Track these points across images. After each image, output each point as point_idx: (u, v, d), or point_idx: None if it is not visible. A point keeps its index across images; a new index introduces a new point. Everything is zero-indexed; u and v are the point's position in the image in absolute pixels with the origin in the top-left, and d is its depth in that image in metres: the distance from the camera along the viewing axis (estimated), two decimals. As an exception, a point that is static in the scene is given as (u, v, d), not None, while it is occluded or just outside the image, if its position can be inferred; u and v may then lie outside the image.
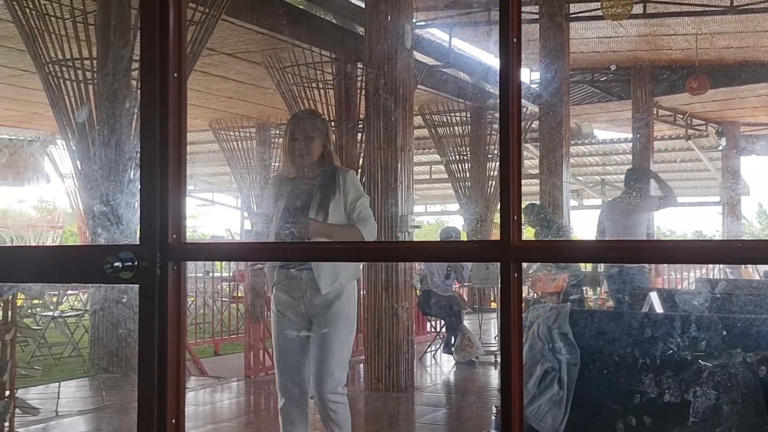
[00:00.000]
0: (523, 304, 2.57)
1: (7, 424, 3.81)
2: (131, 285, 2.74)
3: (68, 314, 9.65)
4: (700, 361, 4.16)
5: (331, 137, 4.02)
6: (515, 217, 2.09)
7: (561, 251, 2.40)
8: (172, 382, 2.61)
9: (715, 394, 4.07)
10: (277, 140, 15.05)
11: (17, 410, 3.89)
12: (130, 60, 7.29)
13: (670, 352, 4.26)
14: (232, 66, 10.80)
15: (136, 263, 2.52)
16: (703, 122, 15.25)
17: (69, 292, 11.11)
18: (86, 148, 7.41)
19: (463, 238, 9.49)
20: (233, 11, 7.95)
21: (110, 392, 7.03)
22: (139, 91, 2.64)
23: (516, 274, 2.11)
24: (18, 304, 4.46)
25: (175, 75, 2.56)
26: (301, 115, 4.12)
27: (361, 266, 4.20)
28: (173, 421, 2.62)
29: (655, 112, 13.70)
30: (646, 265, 7.45)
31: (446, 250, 2.69)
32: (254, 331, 8.11)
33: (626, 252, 2.50)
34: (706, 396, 4.08)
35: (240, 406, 6.82)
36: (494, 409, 4.91)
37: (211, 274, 12.08)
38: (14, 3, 7.30)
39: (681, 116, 14.76)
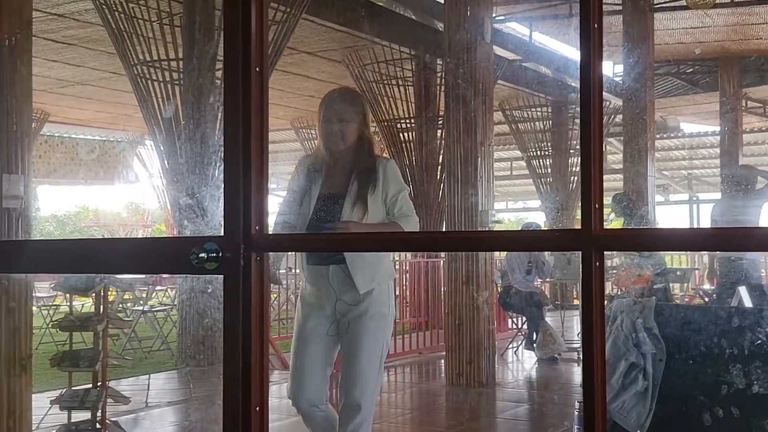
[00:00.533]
0: (606, 301, 2.56)
1: (99, 412, 3.93)
2: (216, 276, 2.85)
3: (157, 309, 9.95)
4: None
5: (369, 121, 3.54)
6: (596, 205, 2.09)
7: (644, 239, 2.37)
8: (256, 370, 2.69)
9: None
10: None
11: (109, 399, 4.00)
12: (214, 57, 7.45)
13: (759, 342, 4.19)
14: (312, 65, 10.94)
15: (220, 254, 2.60)
16: (794, 114, 14.83)
17: (157, 288, 11.42)
18: (173, 144, 7.62)
19: (547, 254, 9.43)
20: (314, 10, 8.06)
21: (197, 384, 7.20)
22: (222, 87, 2.73)
23: (598, 264, 2.11)
24: (109, 299, 4.62)
25: (257, 69, 2.64)
26: (335, 96, 3.48)
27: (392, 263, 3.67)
28: (257, 409, 2.70)
29: (743, 104, 13.37)
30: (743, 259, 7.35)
31: (527, 239, 2.70)
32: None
33: (710, 240, 2.47)
34: None
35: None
36: (577, 405, 4.89)
37: (293, 271, 12.23)
38: (104, 7, 7.52)
39: (772, 108, 14.38)
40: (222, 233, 2.64)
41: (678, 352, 4.41)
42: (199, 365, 7.85)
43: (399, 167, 11.08)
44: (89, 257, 3.37)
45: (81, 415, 3.95)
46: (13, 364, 3.46)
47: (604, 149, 2.12)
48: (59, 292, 3.96)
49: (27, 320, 3.54)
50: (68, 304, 4.24)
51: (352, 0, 8.62)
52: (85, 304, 6.53)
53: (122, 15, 7.57)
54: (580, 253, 2.13)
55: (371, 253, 3.14)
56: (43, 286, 10.33)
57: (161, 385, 7.16)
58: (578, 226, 2.16)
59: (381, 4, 8.91)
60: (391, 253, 3.30)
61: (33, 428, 3.78)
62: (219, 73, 7.44)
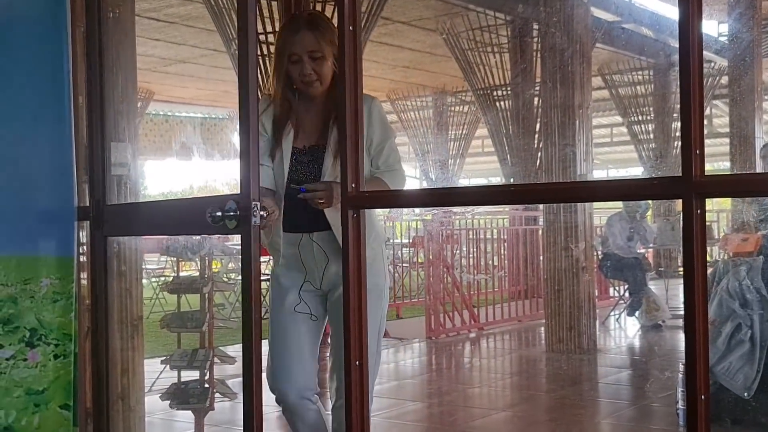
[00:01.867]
0: (709, 267, 2.52)
1: (206, 371, 4.03)
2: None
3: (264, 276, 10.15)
4: None
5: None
6: (697, 151, 2.06)
7: (748, 184, 2.33)
8: (353, 327, 2.76)
9: None
10: (454, 108, 15.12)
11: (216, 359, 4.09)
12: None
13: None
14: (407, 35, 10.91)
15: (237, 213, 2.69)
16: None
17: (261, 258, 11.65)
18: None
19: (649, 217, 9.29)
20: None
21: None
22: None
23: (699, 211, 2.09)
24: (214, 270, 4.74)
25: (351, 28, 2.70)
26: (302, 25, 2.69)
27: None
28: (357, 363, 2.77)
29: None
30: None
31: (625, 187, 2.63)
32: (434, 296, 8.27)
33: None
34: None
35: (422, 365, 6.97)
36: (681, 367, 4.83)
37: (391, 241, 12.35)
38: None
39: None
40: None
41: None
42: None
43: (497, 135, 11.00)
44: (193, 212, 3.46)
45: (189, 374, 4.03)
46: (125, 325, 3.51)
47: (709, 111, 2.09)
48: (169, 258, 4.07)
49: (138, 283, 3.60)
50: (175, 270, 4.33)
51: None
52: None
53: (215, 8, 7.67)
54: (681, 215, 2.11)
55: None
56: (152, 258, 10.70)
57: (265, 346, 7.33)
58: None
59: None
60: (380, 212, 2.76)
61: (146, 387, 3.90)
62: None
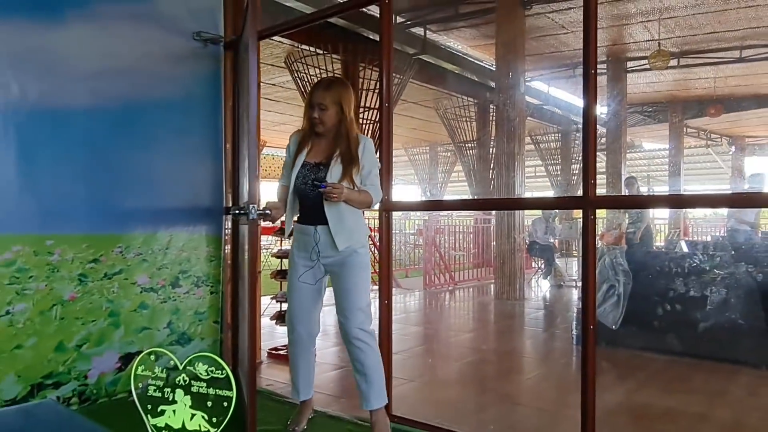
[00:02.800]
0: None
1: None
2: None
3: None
4: (715, 270, 3.95)
5: (349, 105, 2.49)
6: (592, 181, 2.09)
7: (620, 201, 2.34)
8: (384, 280, 2.79)
9: (726, 291, 3.86)
10: (442, 153, 15.11)
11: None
12: (357, 106, 7.58)
13: (695, 265, 4.07)
14: (415, 109, 10.91)
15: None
16: (719, 136, 13.97)
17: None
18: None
19: (557, 222, 9.30)
20: (416, 77, 8.07)
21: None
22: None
23: (592, 217, 2.12)
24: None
25: (386, 105, 2.73)
26: (319, 85, 2.55)
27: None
28: (385, 302, 2.80)
29: (684, 130, 12.70)
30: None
31: (547, 201, 2.66)
32: (428, 264, 8.27)
33: (661, 202, 2.44)
34: (719, 292, 3.87)
35: (421, 305, 6.98)
36: (575, 309, 4.82)
37: (403, 231, 12.37)
38: (297, 79, 7.66)
39: (703, 132, 13.59)
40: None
41: (643, 274, 4.31)
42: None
43: (467, 170, 10.82)
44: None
45: (286, 305, 4.08)
46: (250, 275, 3.53)
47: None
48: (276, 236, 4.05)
49: (258, 251, 3.59)
50: (278, 244, 4.32)
51: (438, 69, 8.58)
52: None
53: (307, 84, 7.72)
54: (580, 219, 2.14)
55: (350, 216, 2.44)
56: (265, 238, 10.74)
57: (330, 295, 7.39)
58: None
59: (457, 71, 8.82)
60: (361, 215, 2.55)
61: (262, 312, 3.93)
62: (361, 116, 7.53)
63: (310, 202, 2.45)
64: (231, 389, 1.02)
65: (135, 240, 2.98)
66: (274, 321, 4.02)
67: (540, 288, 8.15)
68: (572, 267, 9.90)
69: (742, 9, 7.18)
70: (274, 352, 3.98)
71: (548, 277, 8.35)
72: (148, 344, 3.06)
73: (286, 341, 4.01)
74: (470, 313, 6.56)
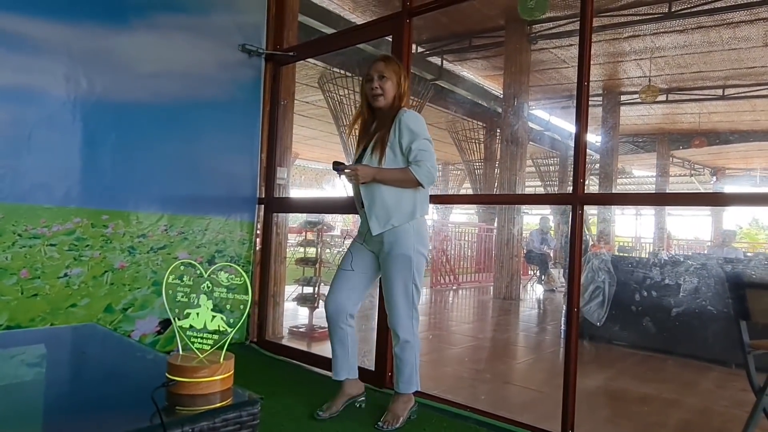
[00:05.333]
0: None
1: (317, 288, 4.02)
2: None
3: (345, 249, 10.15)
4: (689, 261, 3.88)
5: (403, 81, 2.10)
6: (581, 180, 2.07)
7: (608, 198, 2.31)
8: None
9: (697, 280, 3.78)
10: (452, 171, 15.05)
11: (321, 282, 4.08)
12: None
13: (663, 264, 3.99)
14: (430, 130, 10.73)
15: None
16: (702, 167, 13.76)
17: (346, 240, 11.67)
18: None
19: (552, 232, 9.20)
20: (432, 100, 8.09)
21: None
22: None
23: (580, 212, 2.09)
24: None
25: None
26: (377, 60, 2.17)
27: (420, 206, 2.09)
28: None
29: (671, 160, 12.52)
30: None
31: (540, 197, 2.63)
32: (435, 266, 8.23)
33: (638, 199, 2.39)
34: (690, 281, 3.79)
35: (428, 300, 6.93)
36: (564, 308, 4.75)
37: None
38: (328, 98, 7.73)
39: (687, 162, 13.38)
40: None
41: (624, 271, 4.24)
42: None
43: (474, 186, 10.78)
44: (315, 204, 3.47)
45: (307, 289, 4.06)
46: (277, 260, 3.54)
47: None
48: (303, 228, 4.04)
49: (284, 239, 3.59)
50: (304, 236, 4.32)
51: (452, 95, 8.59)
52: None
53: (337, 103, 7.77)
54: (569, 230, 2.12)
55: (390, 196, 2.00)
56: (292, 228, 10.74)
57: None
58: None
59: (469, 97, 8.82)
60: (413, 195, 2.04)
61: (286, 294, 3.95)
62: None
63: (357, 189, 2.10)
64: (247, 294, 1.04)
65: (178, 220, 3.01)
66: (296, 302, 4.04)
67: (534, 292, 8.04)
68: (564, 275, 9.76)
69: (726, 51, 7.09)
70: (294, 329, 3.97)
71: (542, 283, 8.25)
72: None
73: (305, 320, 4.07)
74: (471, 309, 6.49)
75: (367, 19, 6.50)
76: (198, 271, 1.05)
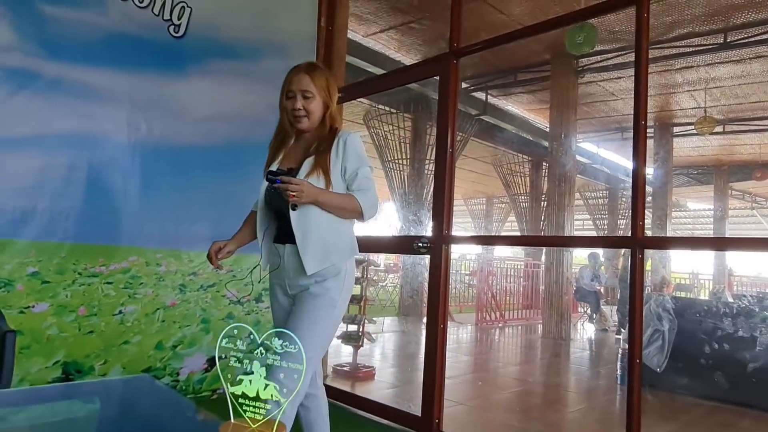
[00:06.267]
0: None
1: (361, 326, 3.98)
2: (426, 256, 2.91)
3: (389, 285, 10.13)
4: (765, 312, 3.59)
5: (335, 95, 1.73)
6: (640, 222, 1.97)
7: (669, 242, 2.19)
8: (442, 306, 2.71)
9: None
10: (497, 204, 14.88)
11: (365, 320, 4.04)
12: (423, 158, 7.62)
13: (736, 312, 3.71)
14: (474, 164, 10.85)
15: (429, 244, 2.67)
16: (764, 199, 13.02)
17: (389, 274, 11.64)
18: (404, 196, 7.81)
19: (603, 270, 8.87)
20: (476, 135, 8.08)
21: (408, 323, 7.26)
22: (435, 162, 2.79)
23: (640, 256, 1.98)
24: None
25: (450, 150, 2.71)
26: (298, 69, 1.72)
27: (355, 242, 1.68)
28: (441, 326, 2.71)
29: (730, 193, 11.92)
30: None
31: (597, 240, 2.52)
32: (480, 302, 8.04)
33: (702, 244, 2.25)
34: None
35: (473, 338, 6.75)
36: (620, 351, 4.49)
37: (457, 271, 12.11)
38: (372, 134, 7.85)
39: (748, 195, 12.70)
40: (430, 233, 2.70)
41: (689, 314, 3.98)
42: (407, 314, 7.90)
43: (519, 219, 10.64)
44: (364, 243, 3.47)
45: (352, 327, 4.02)
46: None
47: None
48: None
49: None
50: None
51: (497, 129, 8.54)
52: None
53: (382, 139, 7.86)
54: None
55: (330, 227, 1.61)
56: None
57: (390, 322, 7.29)
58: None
59: (514, 131, 8.75)
60: (350, 228, 1.67)
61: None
62: (428, 166, 7.57)
63: (276, 214, 1.69)
64: (302, 364, 1.00)
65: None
66: (341, 340, 4.00)
67: (585, 331, 7.70)
68: (615, 313, 9.34)
69: (788, 80, 6.78)
70: (338, 368, 3.93)
71: (593, 321, 7.90)
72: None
73: (350, 358, 4.02)
74: (518, 349, 6.26)
75: (412, 57, 6.61)
76: (252, 336, 1.03)
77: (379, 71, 6.15)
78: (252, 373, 0.98)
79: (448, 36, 2.68)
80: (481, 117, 7.73)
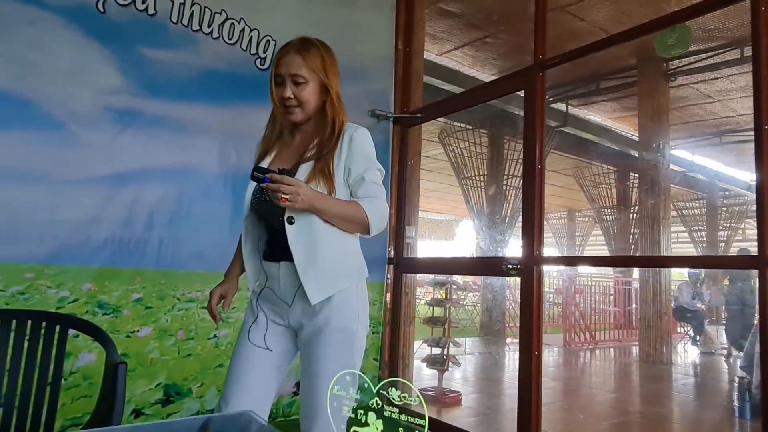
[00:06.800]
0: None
1: (445, 350, 3.89)
2: (515, 278, 2.78)
3: (469, 304, 9.90)
4: None
5: (336, 78, 1.39)
6: None
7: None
8: (535, 331, 2.57)
9: None
10: (581, 219, 14.22)
11: (450, 343, 3.95)
12: (501, 174, 7.42)
13: None
14: (556, 177, 10.45)
15: (518, 266, 2.54)
16: None
17: (468, 293, 11.38)
18: (482, 216, 7.64)
19: (704, 287, 8.16)
20: (557, 147, 7.78)
21: (488, 342, 7.03)
22: (522, 179, 2.67)
23: None
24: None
25: (539, 166, 2.59)
26: (288, 48, 1.32)
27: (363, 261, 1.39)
28: (536, 353, 2.56)
29: None
30: None
31: (714, 260, 2.29)
32: (569, 322, 7.63)
33: None
34: None
35: (561, 362, 6.41)
36: (737, 378, 4.03)
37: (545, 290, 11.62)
38: (448, 152, 7.77)
39: None
40: (520, 255, 2.57)
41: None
42: (488, 334, 7.66)
43: (606, 234, 10.12)
44: (449, 265, 3.39)
45: (436, 350, 3.95)
46: (406, 320, 3.48)
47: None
48: (428, 286, 3.99)
49: (413, 298, 3.55)
50: (432, 293, 4.24)
51: (578, 140, 8.17)
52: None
53: (458, 156, 7.77)
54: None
55: (334, 245, 1.33)
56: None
57: (471, 342, 7.09)
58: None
59: (597, 141, 8.33)
60: (357, 245, 1.36)
61: (414, 353, 3.85)
62: (506, 181, 7.37)
63: (268, 227, 1.40)
64: (423, 418, 0.93)
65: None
66: (426, 363, 3.92)
67: (688, 354, 7.07)
68: (722, 335, 8.49)
69: None
70: (423, 392, 3.84)
71: (697, 344, 7.23)
72: (319, 374, 3.11)
73: (435, 382, 3.92)
74: (613, 374, 5.84)
75: (488, 72, 6.49)
76: (366, 384, 0.99)
77: (454, 88, 6.10)
78: (367, 425, 0.93)
79: (532, 48, 2.58)
80: (562, 128, 7.43)
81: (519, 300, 2.63)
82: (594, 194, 10.14)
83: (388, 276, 3.37)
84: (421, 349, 4.55)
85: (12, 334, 1.51)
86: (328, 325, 1.31)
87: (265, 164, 1.40)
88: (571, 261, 6.55)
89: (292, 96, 1.36)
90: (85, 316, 2.41)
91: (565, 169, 9.75)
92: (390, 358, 3.35)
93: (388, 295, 3.37)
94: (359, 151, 1.35)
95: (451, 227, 16.21)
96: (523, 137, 2.54)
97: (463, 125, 7.14)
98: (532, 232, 2.50)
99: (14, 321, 1.53)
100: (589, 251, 16.99)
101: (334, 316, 1.32)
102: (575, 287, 8.67)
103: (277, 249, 1.36)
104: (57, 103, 2.32)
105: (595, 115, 8.17)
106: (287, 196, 1.22)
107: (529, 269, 2.47)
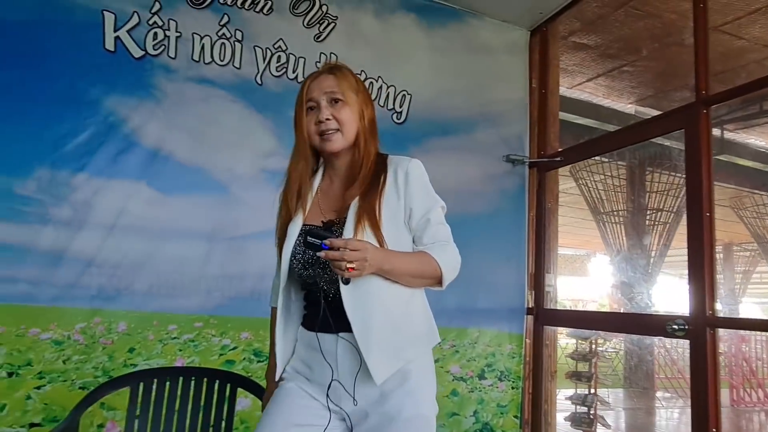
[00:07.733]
0: None
1: (592, 408, 3.58)
2: (675, 339, 2.46)
3: (610, 350, 9.05)
4: None
5: (368, 105, 1.19)
6: None
7: None
8: (712, 411, 2.23)
9: None
10: (740, 254, 12.46)
11: (598, 402, 3.62)
12: (643, 206, 6.79)
13: None
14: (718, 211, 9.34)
15: (686, 327, 2.25)
16: None
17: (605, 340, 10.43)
18: (618, 255, 7.03)
19: None
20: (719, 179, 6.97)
21: (634, 395, 6.34)
22: (687, 225, 2.40)
23: None
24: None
25: (707, 214, 2.31)
26: (319, 72, 1.13)
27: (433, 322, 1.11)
28: (713, 430, 2.22)
29: None
30: None
31: None
32: (736, 377, 6.62)
33: None
34: None
35: (730, 426, 5.55)
36: None
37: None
38: (582, 186, 7.34)
39: None
40: (687, 314, 2.28)
41: None
42: (633, 386, 6.91)
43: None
44: (597, 321, 3.13)
45: (581, 409, 3.65)
46: (548, 373, 3.28)
47: None
48: (570, 338, 3.73)
49: (554, 351, 3.35)
50: (575, 345, 3.96)
51: (733, 166, 7.21)
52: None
53: (592, 190, 7.30)
54: None
55: (397, 306, 1.09)
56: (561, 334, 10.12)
57: (614, 395, 6.44)
58: None
59: (759, 167, 7.29)
60: (424, 302, 1.08)
61: (557, 409, 3.60)
62: (650, 216, 6.73)
63: (315, 295, 1.13)
64: None
65: (450, 333, 3.03)
66: (570, 422, 3.62)
67: None
68: None
69: None
70: (568, 454, 3.55)
71: None
72: (457, 429, 3.01)
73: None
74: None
75: (624, 102, 6.06)
76: None
77: (587, 121, 5.78)
78: None
79: (681, 74, 2.36)
80: (717, 157, 6.65)
81: (673, 352, 2.33)
82: (758, 226, 8.87)
83: (527, 327, 3.20)
84: (560, 403, 4.23)
85: (191, 392, 1.67)
86: (401, 415, 1.02)
87: (299, 220, 1.14)
88: (756, 325, 5.74)
89: (331, 117, 1.14)
90: (243, 363, 2.58)
91: (721, 199, 8.67)
92: (532, 415, 3.15)
93: (528, 347, 3.19)
94: (418, 186, 1.16)
95: (582, 263, 15.16)
96: (686, 182, 2.29)
97: (597, 158, 6.70)
98: (703, 287, 2.21)
99: (193, 379, 1.68)
100: (752, 289, 14.81)
101: (408, 403, 1.03)
102: (740, 335, 7.54)
103: (325, 319, 1.07)
104: (223, 170, 2.57)
105: (756, 138, 7.20)
106: (353, 265, 0.98)
107: (699, 331, 2.18)
